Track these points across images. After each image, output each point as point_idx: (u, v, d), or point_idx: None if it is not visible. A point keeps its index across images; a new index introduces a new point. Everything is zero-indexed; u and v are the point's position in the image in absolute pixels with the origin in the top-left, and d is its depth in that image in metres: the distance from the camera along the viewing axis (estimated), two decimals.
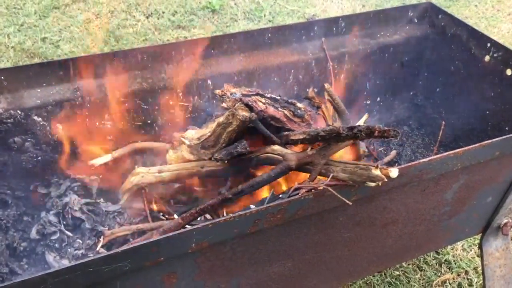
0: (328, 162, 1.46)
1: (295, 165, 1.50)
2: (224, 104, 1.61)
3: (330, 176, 1.38)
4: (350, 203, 1.35)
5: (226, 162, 1.62)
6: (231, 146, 1.56)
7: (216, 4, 4.31)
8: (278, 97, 1.66)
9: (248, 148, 1.54)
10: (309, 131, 1.46)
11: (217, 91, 1.65)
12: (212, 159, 1.61)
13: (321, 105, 1.71)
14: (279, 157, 1.56)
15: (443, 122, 2.18)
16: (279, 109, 1.62)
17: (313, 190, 1.34)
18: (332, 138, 1.42)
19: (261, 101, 1.58)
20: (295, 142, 1.57)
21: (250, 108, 1.53)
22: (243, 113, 1.47)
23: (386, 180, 1.33)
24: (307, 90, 1.90)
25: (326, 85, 1.84)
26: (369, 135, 1.33)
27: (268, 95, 1.63)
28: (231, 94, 1.60)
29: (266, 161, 1.61)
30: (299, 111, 1.64)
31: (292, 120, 1.63)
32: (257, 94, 1.61)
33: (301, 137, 1.50)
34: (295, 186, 1.42)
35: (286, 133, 1.60)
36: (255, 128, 1.53)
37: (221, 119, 1.52)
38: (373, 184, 1.34)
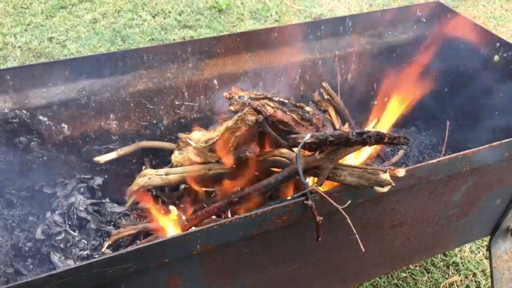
0: (336, 166, 1.45)
1: (303, 168, 1.49)
2: (231, 107, 1.59)
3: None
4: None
5: (233, 165, 1.61)
6: (240, 150, 1.54)
7: (222, 3, 4.30)
8: (286, 101, 1.64)
9: (256, 152, 1.53)
10: (317, 135, 1.43)
11: (225, 94, 1.63)
12: (220, 162, 1.60)
13: (328, 108, 1.69)
14: (287, 160, 1.55)
15: (448, 123, 2.15)
16: (287, 113, 1.59)
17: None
18: (341, 143, 1.40)
19: (269, 105, 1.56)
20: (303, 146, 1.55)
21: (258, 112, 1.51)
22: (252, 118, 1.45)
23: (394, 185, 1.31)
24: (313, 94, 1.88)
25: (324, 84, 1.82)
26: (378, 141, 1.31)
27: (276, 99, 1.61)
28: (239, 97, 1.57)
29: (274, 165, 1.60)
30: (307, 114, 1.62)
31: (300, 123, 1.61)
32: (266, 98, 1.59)
33: (309, 141, 1.48)
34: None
35: (293, 136, 1.58)
36: (263, 131, 1.52)
37: (229, 123, 1.50)
38: (382, 190, 1.32)
